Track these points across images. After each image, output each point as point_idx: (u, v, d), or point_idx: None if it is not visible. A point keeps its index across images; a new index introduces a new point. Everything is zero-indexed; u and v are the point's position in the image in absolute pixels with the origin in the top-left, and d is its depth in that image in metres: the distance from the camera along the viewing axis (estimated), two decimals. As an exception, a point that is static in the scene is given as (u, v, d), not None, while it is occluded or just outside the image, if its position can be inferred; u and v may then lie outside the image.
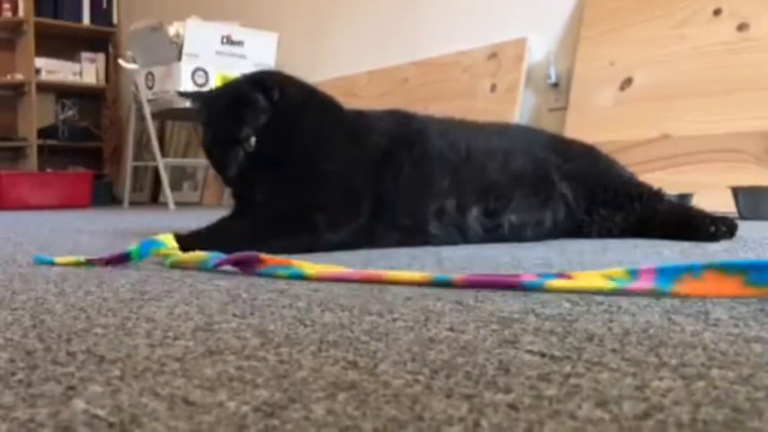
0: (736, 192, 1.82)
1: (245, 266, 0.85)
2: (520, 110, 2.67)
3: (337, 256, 1.06)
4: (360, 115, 1.27)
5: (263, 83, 1.16)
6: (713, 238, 1.20)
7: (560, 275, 0.71)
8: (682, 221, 1.26)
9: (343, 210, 1.15)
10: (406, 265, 0.94)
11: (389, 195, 1.18)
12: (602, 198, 1.32)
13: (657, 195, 1.34)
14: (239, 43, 3.32)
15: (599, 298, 0.66)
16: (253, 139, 1.14)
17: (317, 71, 3.46)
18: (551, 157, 1.33)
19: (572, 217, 1.31)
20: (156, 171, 4.03)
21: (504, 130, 1.45)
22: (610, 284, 0.67)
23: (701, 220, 1.24)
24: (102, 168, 4.86)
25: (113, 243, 1.35)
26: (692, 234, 1.22)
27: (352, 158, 1.19)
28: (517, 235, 1.25)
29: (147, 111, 3.34)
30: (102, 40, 4.92)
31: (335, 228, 1.13)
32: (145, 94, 3.34)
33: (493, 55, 2.80)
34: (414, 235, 1.20)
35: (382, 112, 1.31)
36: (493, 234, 1.24)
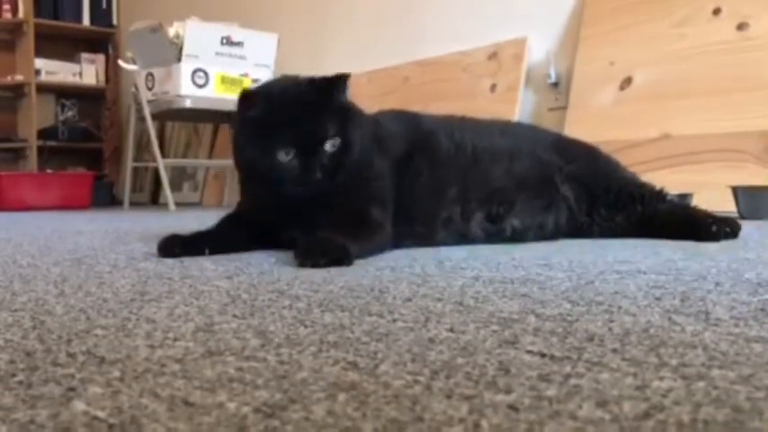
0: (735, 191, 1.82)
1: None
2: (520, 109, 2.67)
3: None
4: (375, 120, 1.24)
5: (339, 85, 1.08)
6: (714, 237, 1.19)
7: None
8: (683, 221, 1.26)
9: (386, 215, 1.13)
10: (406, 265, 0.94)
11: (406, 204, 1.17)
12: (604, 200, 1.32)
13: (659, 195, 1.34)
14: (239, 44, 3.32)
15: (599, 298, 0.66)
16: (338, 140, 1.04)
17: (317, 71, 3.45)
18: (554, 158, 1.33)
19: (574, 219, 1.31)
20: (156, 172, 4.03)
21: (508, 128, 1.44)
22: None
23: (702, 219, 1.24)
24: (103, 169, 4.86)
25: (114, 244, 1.35)
26: (693, 234, 1.22)
27: (383, 165, 1.17)
28: (519, 238, 1.26)
29: (147, 111, 3.34)
30: (101, 41, 4.92)
31: (386, 230, 1.12)
32: (145, 95, 3.34)
33: (493, 54, 2.80)
34: (424, 242, 1.20)
35: (389, 114, 1.30)
36: (494, 238, 1.25)
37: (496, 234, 1.25)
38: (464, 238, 1.23)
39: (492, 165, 1.26)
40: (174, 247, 1.08)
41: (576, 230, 1.32)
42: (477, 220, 1.23)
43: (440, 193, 1.21)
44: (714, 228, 1.20)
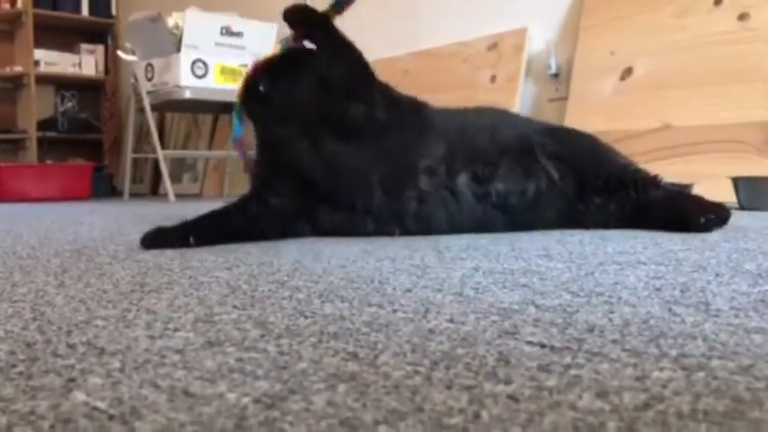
0: (736, 182, 1.82)
1: None
2: (520, 100, 2.66)
3: (334, 246, 1.05)
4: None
5: None
6: (705, 228, 1.20)
7: None
8: (674, 213, 1.26)
9: None
10: (406, 256, 0.94)
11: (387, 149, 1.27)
12: (595, 184, 1.32)
13: (654, 181, 1.34)
14: (238, 34, 3.31)
15: (599, 289, 0.66)
16: None
17: (317, 62, 3.44)
18: (536, 137, 1.36)
19: (561, 195, 1.31)
20: (155, 163, 4.03)
21: (491, 110, 1.50)
22: None
23: (692, 212, 1.23)
24: (102, 160, 4.85)
25: (114, 235, 1.35)
26: (683, 225, 1.22)
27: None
28: (504, 203, 1.27)
29: (147, 102, 3.33)
30: (101, 32, 4.91)
31: None
32: (144, 86, 3.33)
33: (493, 45, 2.79)
34: (403, 188, 1.22)
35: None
36: (482, 201, 1.26)
37: (483, 197, 1.27)
38: (454, 196, 1.25)
39: (477, 133, 1.32)
40: (157, 238, 1.08)
41: (571, 220, 1.32)
42: (463, 180, 1.26)
43: (423, 145, 1.26)
44: (703, 219, 1.21)
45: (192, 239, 1.09)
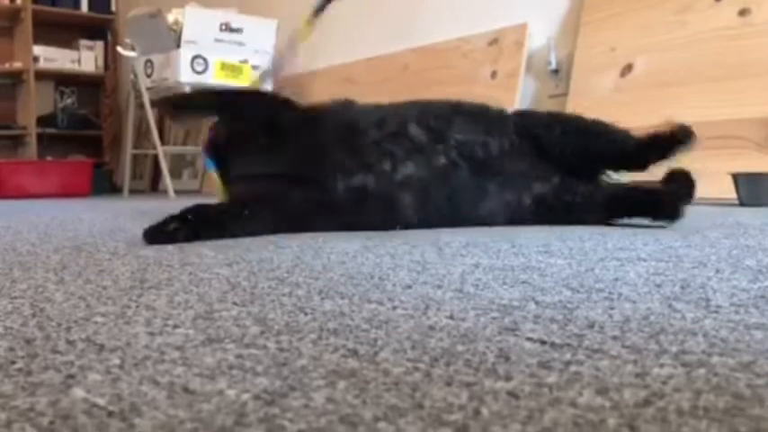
0: (736, 178, 1.82)
1: None
2: (520, 96, 2.66)
3: (334, 242, 1.05)
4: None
5: None
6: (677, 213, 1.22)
7: None
8: (645, 200, 1.29)
9: None
10: (405, 252, 0.94)
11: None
12: (549, 139, 1.36)
13: (626, 133, 1.43)
14: (238, 30, 3.30)
15: (599, 285, 0.66)
16: None
17: (316, 58, 3.45)
18: (513, 117, 1.42)
19: (522, 154, 1.35)
20: (155, 159, 4.03)
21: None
22: None
23: (667, 200, 1.26)
24: (102, 156, 4.85)
25: (114, 231, 1.35)
26: (657, 213, 1.25)
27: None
28: (469, 153, 1.30)
29: (146, 98, 3.33)
30: (100, 28, 4.90)
31: None
32: (144, 82, 3.33)
33: (493, 41, 2.78)
34: (356, 138, 1.27)
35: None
36: (443, 146, 1.29)
37: (441, 141, 1.29)
38: (410, 141, 1.27)
39: (428, 102, 1.39)
40: (157, 234, 1.09)
41: (566, 212, 1.33)
42: (415, 128, 1.29)
43: (368, 111, 1.34)
44: (679, 203, 1.24)
45: (190, 216, 1.10)
